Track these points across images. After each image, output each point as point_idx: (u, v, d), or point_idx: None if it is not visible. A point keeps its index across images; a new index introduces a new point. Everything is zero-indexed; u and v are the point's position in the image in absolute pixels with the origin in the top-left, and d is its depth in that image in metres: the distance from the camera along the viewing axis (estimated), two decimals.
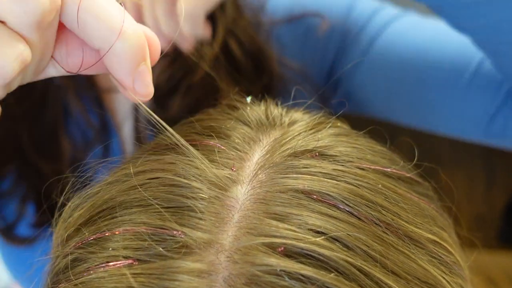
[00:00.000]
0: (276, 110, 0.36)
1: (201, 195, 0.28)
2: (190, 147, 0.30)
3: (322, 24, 0.59)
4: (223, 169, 0.30)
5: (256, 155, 0.32)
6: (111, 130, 0.57)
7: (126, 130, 0.58)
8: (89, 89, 0.56)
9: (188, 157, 0.30)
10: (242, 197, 0.29)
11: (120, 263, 0.27)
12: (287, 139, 0.32)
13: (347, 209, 0.29)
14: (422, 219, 0.32)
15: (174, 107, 0.54)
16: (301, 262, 0.25)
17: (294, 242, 0.26)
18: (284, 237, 0.26)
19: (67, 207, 0.32)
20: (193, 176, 0.29)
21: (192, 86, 0.54)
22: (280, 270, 0.25)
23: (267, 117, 0.35)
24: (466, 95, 0.53)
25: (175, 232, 0.27)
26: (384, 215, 0.30)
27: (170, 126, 0.37)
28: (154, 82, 0.56)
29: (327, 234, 0.27)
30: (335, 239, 0.27)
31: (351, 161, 0.31)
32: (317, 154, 0.31)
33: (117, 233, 0.28)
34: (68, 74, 0.31)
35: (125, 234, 0.28)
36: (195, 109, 0.38)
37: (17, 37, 0.27)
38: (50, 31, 0.28)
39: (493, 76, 0.52)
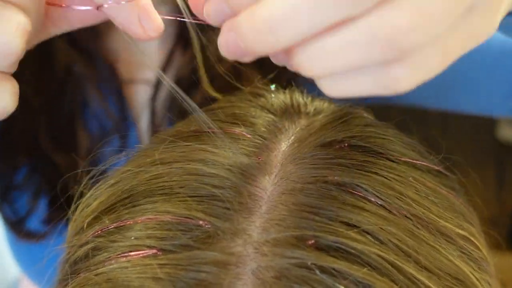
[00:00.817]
0: (301, 99, 0.35)
1: (228, 183, 0.27)
2: (219, 133, 0.29)
3: None
4: (249, 158, 0.29)
5: (283, 144, 0.31)
6: (129, 122, 0.56)
7: (144, 121, 0.57)
8: (109, 80, 0.55)
9: (215, 144, 0.29)
10: (270, 188, 0.28)
11: (143, 253, 0.26)
12: (315, 129, 0.31)
13: (378, 202, 0.28)
14: (452, 213, 0.31)
15: (196, 99, 0.53)
16: (333, 256, 0.25)
17: (325, 235, 0.25)
18: (314, 230, 0.25)
19: (86, 196, 0.31)
20: (220, 164, 0.28)
21: (216, 78, 0.53)
22: (311, 264, 0.24)
23: (292, 106, 0.34)
24: (493, 71, 0.53)
25: (201, 222, 0.26)
26: (415, 208, 0.29)
27: (191, 116, 0.36)
28: (178, 75, 0.55)
29: (359, 227, 0.26)
30: (367, 232, 0.26)
31: (381, 152, 0.30)
32: (346, 144, 0.30)
33: (139, 221, 0.27)
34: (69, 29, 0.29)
35: (148, 223, 0.27)
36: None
37: (10, 6, 0.26)
38: None
39: None
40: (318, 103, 0.36)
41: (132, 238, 0.26)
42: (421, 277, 0.26)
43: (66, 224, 0.49)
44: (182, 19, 0.31)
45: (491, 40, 0.52)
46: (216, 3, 0.27)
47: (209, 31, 0.54)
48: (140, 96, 0.57)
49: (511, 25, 0.34)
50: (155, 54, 0.56)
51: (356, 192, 0.28)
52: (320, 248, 0.25)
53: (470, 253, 0.30)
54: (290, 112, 0.34)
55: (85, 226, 0.29)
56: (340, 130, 0.31)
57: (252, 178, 0.28)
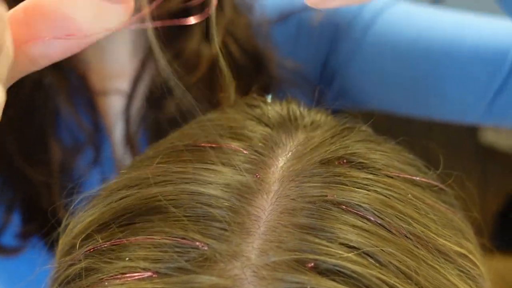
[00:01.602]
0: (298, 111, 0.35)
1: (225, 203, 0.27)
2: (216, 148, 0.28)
3: (316, 14, 0.57)
4: (247, 176, 0.28)
5: (281, 160, 0.30)
6: (103, 133, 0.55)
7: (118, 133, 0.56)
8: (81, 91, 0.54)
9: (211, 161, 0.29)
10: (268, 207, 0.27)
11: (138, 275, 0.25)
12: (313, 145, 0.31)
13: (378, 221, 0.27)
14: (451, 230, 0.30)
15: (170, 108, 0.52)
16: (333, 280, 0.24)
17: (325, 258, 0.24)
18: (315, 252, 0.25)
19: (75, 212, 0.30)
20: (216, 183, 0.28)
21: (190, 87, 0.53)
22: None
23: (289, 119, 0.34)
24: (468, 73, 0.52)
25: (197, 243, 0.25)
26: (415, 227, 0.28)
27: (166, 127, 0.35)
28: (152, 84, 0.54)
29: (359, 249, 0.25)
30: (367, 255, 0.25)
31: (380, 169, 0.30)
32: (345, 161, 0.29)
33: (133, 241, 0.26)
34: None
35: (142, 243, 0.26)
36: (192, 111, 0.36)
37: None
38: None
39: (493, 53, 0.51)
40: (315, 115, 0.35)
41: (127, 259, 0.25)
42: None
43: (41, 239, 0.47)
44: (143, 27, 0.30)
45: (462, 42, 0.52)
46: None
47: (180, 40, 0.54)
48: (113, 107, 0.56)
49: None
50: (128, 63, 0.55)
51: (356, 212, 0.27)
52: (320, 271, 0.24)
53: (468, 271, 0.30)
54: (287, 125, 0.33)
55: (73, 245, 0.28)
56: (339, 147, 0.30)
57: (250, 197, 0.27)
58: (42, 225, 0.51)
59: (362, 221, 0.27)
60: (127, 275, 0.25)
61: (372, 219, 0.27)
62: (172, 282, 0.24)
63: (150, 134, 0.54)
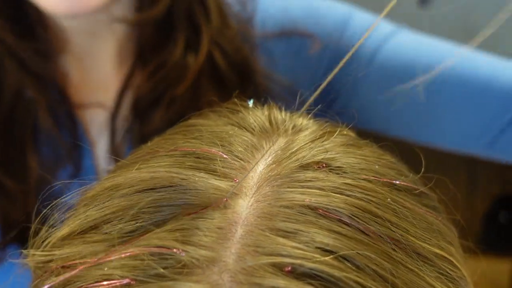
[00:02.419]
0: (279, 116, 0.35)
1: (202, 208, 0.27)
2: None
3: (314, 44, 0.57)
4: (225, 180, 0.28)
5: (260, 165, 0.30)
6: (84, 147, 0.54)
7: (101, 146, 0.55)
8: (61, 104, 0.53)
9: (189, 165, 0.29)
10: (245, 211, 0.27)
11: (116, 282, 0.25)
12: (293, 150, 0.31)
13: (355, 225, 0.27)
14: (430, 233, 0.31)
15: (156, 120, 0.52)
16: (310, 284, 0.24)
17: (302, 262, 0.24)
18: (291, 256, 0.25)
19: (46, 225, 0.30)
20: (193, 189, 0.28)
21: (175, 99, 0.52)
22: None
23: (270, 123, 0.34)
24: (477, 105, 0.53)
25: (175, 250, 0.25)
26: (393, 231, 0.28)
27: (151, 139, 0.35)
28: (137, 95, 0.54)
29: (336, 253, 0.25)
30: (344, 258, 0.25)
31: (359, 173, 0.30)
32: (324, 165, 0.30)
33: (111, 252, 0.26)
34: None
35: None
36: (178, 122, 0.36)
37: None
38: None
39: (504, 92, 0.51)
40: (298, 120, 0.35)
41: (105, 268, 0.25)
42: None
43: (18, 249, 0.47)
44: None
45: (475, 74, 0.53)
46: None
47: (163, 51, 0.53)
48: (96, 119, 0.55)
49: None
50: (110, 76, 0.55)
51: (333, 216, 0.27)
52: (297, 275, 0.24)
53: (449, 273, 0.30)
54: (268, 130, 0.33)
55: (53, 256, 0.28)
56: (318, 151, 0.30)
57: (228, 201, 0.27)
58: (19, 236, 0.51)
59: (339, 225, 0.27)
60: (106, 282, 0.25)
61: (350, 223, 0.27)
62: None
63: (136, 145, 0.53)
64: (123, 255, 0.25)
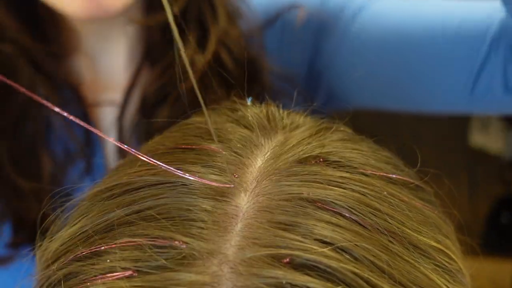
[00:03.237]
0: (277, 113, 0.35)
1: (203, 203, 0.27)
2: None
3: (299, 12, 0.58)
4: (224, 176, 0.29)
5: (259, 160, 0.31)
6: (95, 144, 0.55)
7: (110, 143, 0.56)
8: (74, 103, 0.54)
9: (190, 161, 0.29)
10: (245, 205, 0.28)
11: (118, 274, 0.25)
12: (291, 145, 0.31)
13: (353, 218, 0.28)
14: (427, 226, 0.31)
15: (162, 117, 0.53)
16: (308, 274, 0.25)
17: (300, 253, 0.25)
18: (290, 248, 0.25)
19: (55, 223, 0.31)
20: (194, 183, 0.28)
21: (182, 96, 0.53)
22: (286, 283, 0.24)
23: (268, 120, 0.34)
24: (450, 58, 0.52)
25: (176, 242, 0.26)
26: (390, 223, 0.29)
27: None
28: (145, 93, 0.55)
29: (334, 244, 0.26)
30: (342, 250, 0.26)
31: (356, 167, 0.31)
32: (321, 160, 0.30)
33: (114, 246, 0.26)
34: None
35: (123, 246, 0.26)
36: (183, 119, 0.37)
37: None
38: None
39: (474, 33, 0.50)
40: (295, 117, 0.36)
41: (108, 261, 0.26)
42: None
43: (31, 248, 0.48)
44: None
45: (443, 27, 0.52)
46: None
47: (173, 51, 0.54)
48: (106, 118, 0.56)
49: None
50: (120, 75, 0.56)
51: (331, 209, 0.28)
52: (295, 266, 0.25)
53: (445, 265, 0.31)
54: (266, 127, 0.34)
55: (55, 255, 0.29)
56: (316, 146, 0.31)
57: (228, 196, 0.28)
58: (32, 235, 0.52)
59: (337, 218, 0.27)
60: (108, 275, 0.26)
61: (347, 215, 0.28)
62: (152, 280, 0.25)
63: (142, 143, 0.54)
64: (123, 244, 0.26)
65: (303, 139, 0.32)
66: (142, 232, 0.27)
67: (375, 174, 0.31)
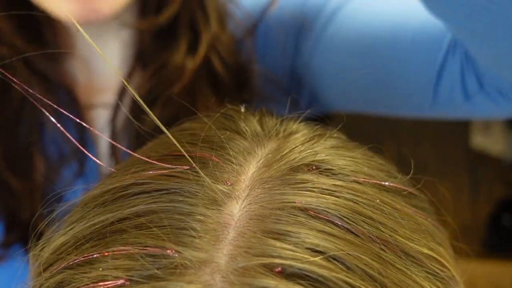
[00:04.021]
0: (271, 121, 0.35)
1: (195, 211, 0.27)
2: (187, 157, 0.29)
3: (273, 4, 0.57)
4: (218, 184, 0.29)
5: (252, 168, 0.31)
6: (88, 146, 0.55)
7: (103, 144, 0.57)
8: (68, 104, 0.55)
9: (182, 171, 0.29)
10: (238, 214, 0.28)
11: (111, 283, 0.25)
12: (284, 152, 0.31)
13: (345, 226, 0.28)
14: (419, 234, 0.31)
15: (151, 120, 0.53)
16: (299, 284, 0.25)
17: (292, 262, 0.25)
18: (282, 257, 0.25)
19: (48, 226, 0.31)
20: (186, 192, 0.28)
21: (171, 99, 0.54)
22: None
23: (262, 128, 0.34)
24: (412, 60, 0.51)
25: (168, 251, 0.26)
26: (382, 231, 0.29)
27: (147, 139, 0.36)
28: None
29: (326, 253, 0.26)
30: (333, 259, 0.26)
31: (348, 175, 0.31)
32: (314, 167, 0.30)
33: (106, 254, 0.27)
34: None
35: (115, 254, 0.26)
36: (173, 123, 0.37)
37: None
38: None
39: (432, 37, 0.50)
40: (288, 124, 0.36)
41: (100, 269, 0.26)
42: None
43: (22, 248, 0.48)
44: None
45: (405, 28, 0.51)
46: None
47: (165, 53, 0.55)
48: (98, 119, 0.57)
49: None
50: (114, 77, 0.56)
51: (323, 217, 0.28)
52: (287, 276, 0.25)
53: (437, 273, 0.31)
54: (259, 134, 0.34)
55: (47, 262, 0.29)
56: (308, 154, 0.31)
57: (220, 204, 0.28)
58: (23, 235, 0.52)
59: (329, 226, 0.27)
60: (101, 283, 0.26)
61: (339, 224, 0.28)
62: None
63: (134, 145, 0.55)
64: (116, 253, 0.26)
65: (296, 147, 0.32)
66: (135, 240, 0.27)
67: (368, 182, 0.31)
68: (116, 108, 0.55)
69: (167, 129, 0.37)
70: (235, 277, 0.25)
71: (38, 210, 0.34)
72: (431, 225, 0.33)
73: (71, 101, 0.56)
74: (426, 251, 0.30)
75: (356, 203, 0.29)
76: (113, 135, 0.55)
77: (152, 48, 0.55)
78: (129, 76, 0.56)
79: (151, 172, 0.30)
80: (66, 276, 0.27)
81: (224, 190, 0.29)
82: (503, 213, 1.57)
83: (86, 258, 0.27)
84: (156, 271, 0.25)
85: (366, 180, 0.31)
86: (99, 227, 0.28)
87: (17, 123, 0.55)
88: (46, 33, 0.55)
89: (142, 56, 0.55)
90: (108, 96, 0.57)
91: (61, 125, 0.54)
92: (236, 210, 0.28)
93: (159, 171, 0.30)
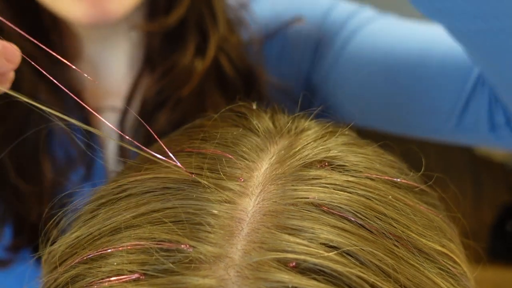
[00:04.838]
0: (283, 118, 0.36)
1: (210, 207, 0.27)
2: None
3: (297, 21, 0.58)
4: (231, 180, 0.29)
5: (265, 165, 0.31)
6: (96, 150, 0.56)
7: (110, 148, 0.57)
8: (75, 109, 0.55)
9: (193, 167, 0.29)
10: (252, 209, 0.28)
11: (125, 277, 0.25)
12: (297, 149, 0.31)
13: (358, 222, 0.28)
14: (431, 230, 0.31)
15: (161, 122, 0.53)
16: (314, 279, 0.25)
17: (306, 257, 0.25)
18: (296, 252, 0.25)
19: (58, 226, 0.31)
20: (201, 188, 0.28)
21: (181, 101, 0.54)
22: (292, 287, 0.24)
23: (274, 125, 0.34)
24: (437, 86, 0.52)
25: (183, 246, 0.26)
26: (395, 227, 0.29)
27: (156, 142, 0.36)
28: (144, 97, 0.55)
29: (339, 248, 0.26)
30: (347, 254, 0.26)
31: (361, 171, 0.31)
32: (326, 164, 0.30)
33: (120, 248, 0.27)
34: None
35: (129, 249, 0.26)
36: (182, 125, 0.37)
37: None
38: None
39: (461, 65, 0.51)
40: (300, 121, 0.36)
41: (115, 263, 0.26)
42: None
43: (31, 252, 0.48)
44: None
45: (432, 54, 0.52)
46: None
47: (174, 55, 0.55)
48: (105, 123, 0.57)
49: None
50: (122, 81, 0.57)
51: (336, 213, 0.28)
52: (302, 270, 0.25)
53: (449, 269, 0.31)
54: (271, 131, 0.34)
55: (61, 258, 0.29)
56: (321, 150, 0.31)
57: (234, 200, 0.28)
58: (32, 238, 0.52)
59: (343, 222, 0.27)
60: (115, 278, 0.26)
61: (353, 219, 0.28)
62: (159, 283, 0.25)
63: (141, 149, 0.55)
64: (130, 247, 0.26)
65: (308, 143, 0.32)
66: (149, 235, 0.27)
67: (380, 178, 0.31)
68: (125, 112, 0.56)
69: (176, 129, 0.37)
70: (249, 272, 0.25)
71: (46, 213, 0.34)
72: (442, 221, 0.33)
73: (78, 105, 0.56)
74: (438, 247, 0.30)
75: (369, 199, 0.29)
76: (122, 139, 0.55)
77: (161, 50, 0.55)
78: (138, 78, 0.56)
79: (164, 169, 0.30)
80: (81, 270, 0.27)
81: (237, 186, 0.29)
82: (507, 219, 1.57)
83: (100, 252, 0.27)
84: (171, 265, 0.25)
85: (378, 176, 0.31)
86: (114, 222, 0.28)
87: (25, 128, 0.55)
88: (53, 37, 0.55)
89: (151, 58, 0.56)
90: (116, 100, 0.57)
91: (68, 131, 0.54)
92: (250, 206, 0.28)
93: (173, 168, 0.30)
